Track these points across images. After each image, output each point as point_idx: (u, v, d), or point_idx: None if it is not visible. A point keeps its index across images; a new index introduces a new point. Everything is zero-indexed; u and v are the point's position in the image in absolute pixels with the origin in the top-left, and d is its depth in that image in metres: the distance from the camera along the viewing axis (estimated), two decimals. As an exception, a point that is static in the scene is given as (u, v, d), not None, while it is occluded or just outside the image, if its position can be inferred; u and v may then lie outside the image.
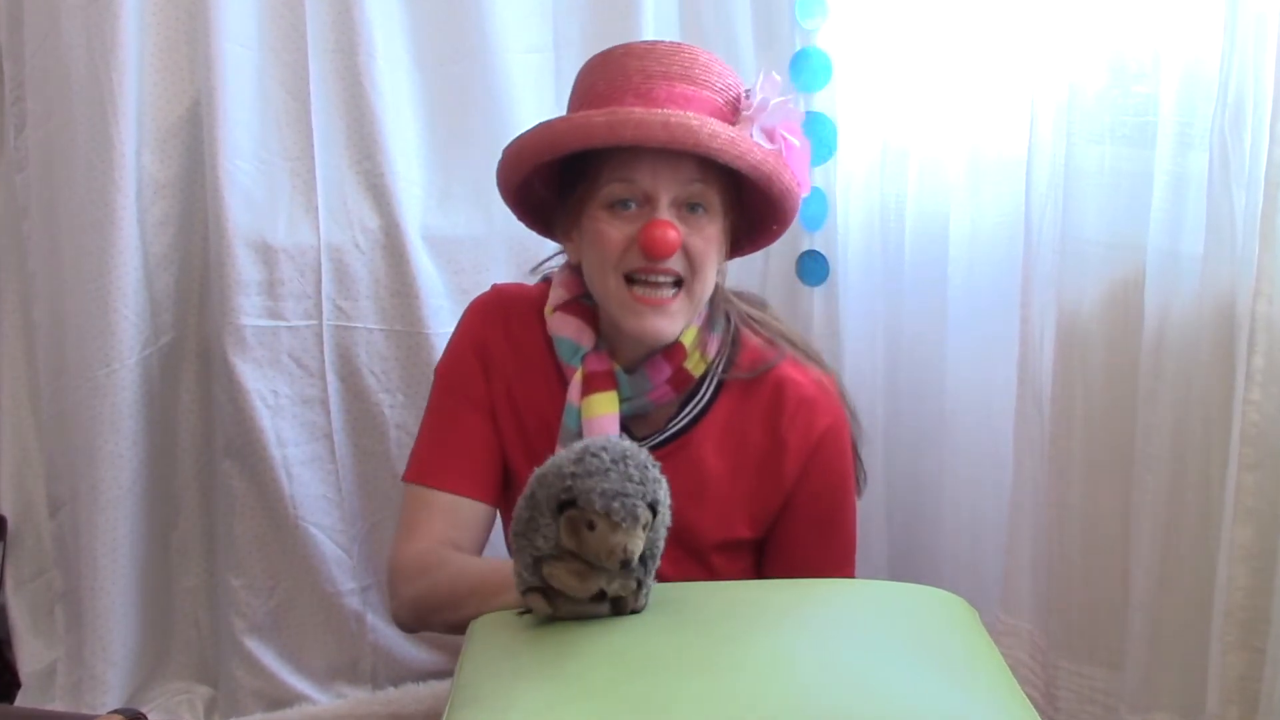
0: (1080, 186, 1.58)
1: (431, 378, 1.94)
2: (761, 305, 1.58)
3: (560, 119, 1.39)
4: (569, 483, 1.11)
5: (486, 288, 1.95)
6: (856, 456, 1.52)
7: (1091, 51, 1.56)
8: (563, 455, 1.14)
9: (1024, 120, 1.62)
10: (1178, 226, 1.49)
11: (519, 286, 1.59)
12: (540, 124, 1.40)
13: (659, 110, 1.32)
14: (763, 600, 1.26)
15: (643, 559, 1.15)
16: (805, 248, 1.92)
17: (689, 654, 1.12)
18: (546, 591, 1.16)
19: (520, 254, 1.94)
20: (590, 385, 1.43)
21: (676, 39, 1.95)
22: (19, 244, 1.99)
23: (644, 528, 1.12)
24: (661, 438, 1.46)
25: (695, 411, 1.47)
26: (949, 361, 1.82)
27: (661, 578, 1.37)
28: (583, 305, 1.47)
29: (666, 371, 1.44)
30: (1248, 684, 1.41)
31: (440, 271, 1.96)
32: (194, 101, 1.90)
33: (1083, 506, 1.63)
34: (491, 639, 1.19)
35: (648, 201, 1.37)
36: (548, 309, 1.49)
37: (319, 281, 1.93)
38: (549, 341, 1.49)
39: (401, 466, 1.96)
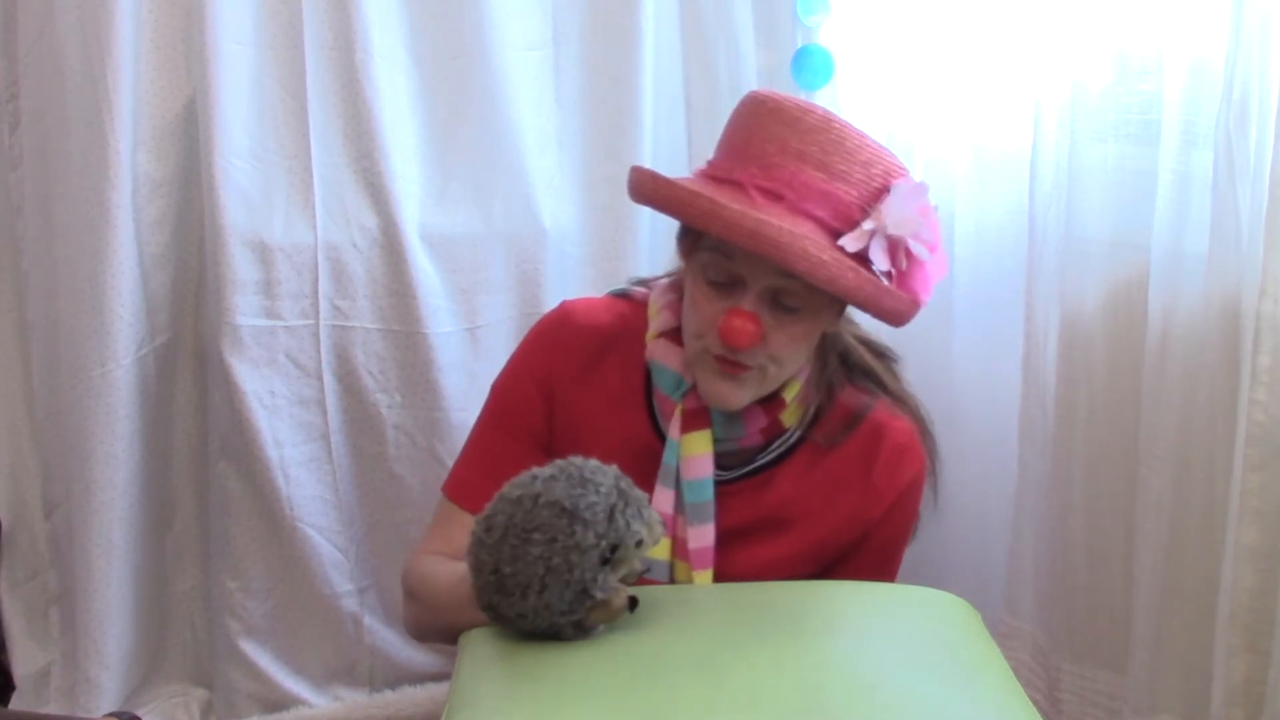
0: (1084, 184, 1.57)
1: (430, 377, 1.95)
2: (889, 357, 1.52)
3: (664, 183, 1.32)
4: (602, 542, 1.12)
5: (485, 286, 1.94)
6: (932, 485, 1.51)
7: (1096, 48, 1.56)
8: (555, 530, 1.12)
9: (1028, 117, 1.61)
10: (1182, 225, 1.49)
11: (589, 310, 1.50)
12: (650, 176, 1.35)
13: (750, 216, 1.24)
14: (765, 603, 1.26)
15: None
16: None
17: (690, 657, 1.12)
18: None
19: (519, 253, 1.94)
20: (689, 423, 1.40)
21: (677, 37, 1.95)
22: (13, 243, 1.97)
23: None
24: (745, 470, 1.44)
25: (780, 452, 1.45)
26: (955, 361, 1.82)
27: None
28: None
29: (763, 421, 1.41)
30: (1252, 687, 1.41)
31: (438, 270, 1.95)
32: (190, 99, 1.89)
33: (1086, 507, 1.62)
34: (489, 641, 1.19)
35: (739, 283, 1.32)
36: (650, 333, 1.43)
37: (316, 281, 1.92)
38: (634, 368, 1.45)
39: (399, 467, 1.97)
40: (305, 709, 1.96)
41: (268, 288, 1.90)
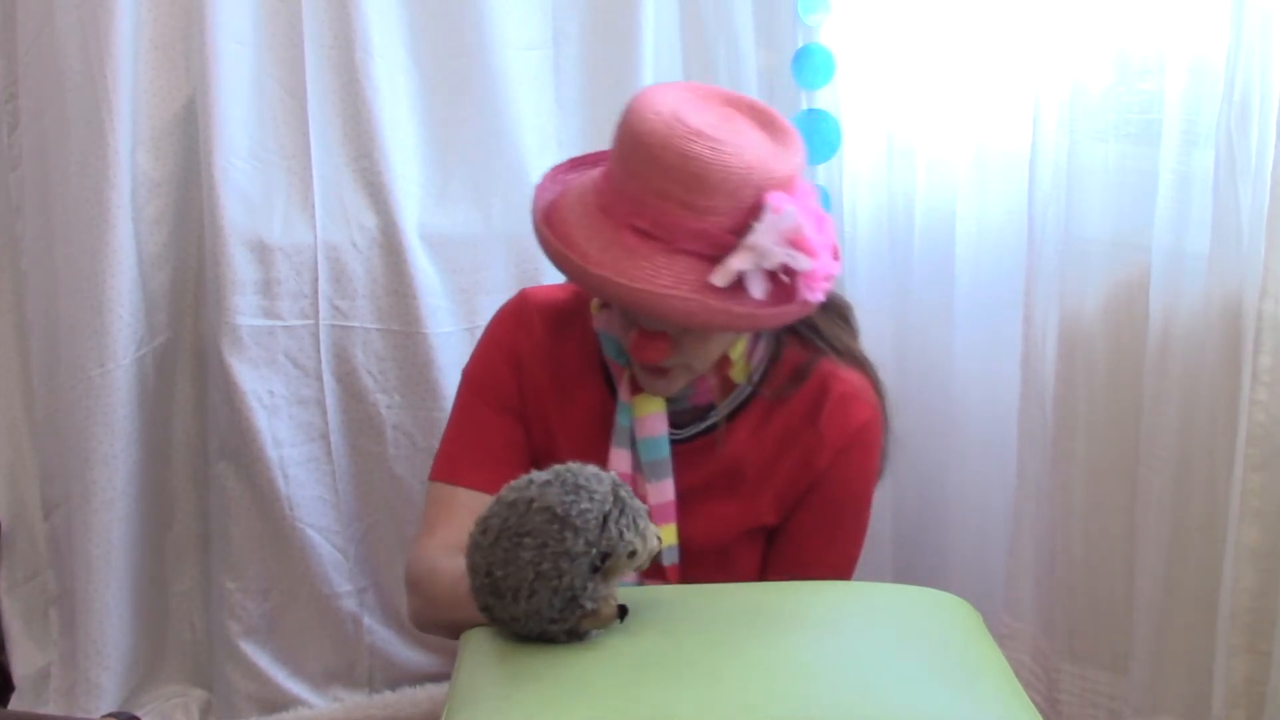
0: (1084, 184, 1.57)
1: (430, 377, 1.94)
2: (836, 307, 1.52)
3: (548, 237, 1.34)
4: (593, 550, 1.11)
5: (485, 286, 1.94)
6: (884, 451, 1.52)
7: (1096, 48, 1.55)
8: (547, 535, 1.12)
9: (1028, 117, 1.61)
10: (1183, 225, 1.49)
11: (547, 291, 1.56)
12: (539, 221, 1.37)
13: (620, 281, 1.26)
14: (764, 603, 1.26)
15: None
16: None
17: (688, 657, 1.12)
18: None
19: (519, 253, 1.94)
20: (638, 384, 1.43)
21: (677, 37, 1.95)
22: (12, 243, 1.97)
23: None
24: (702, 427, 1.47)
25: (732, 407, 1.47)
26: (955, 361, 1.82)
27: (680, 571, 1.36)
28: None
29: (712, 380, 1.44)
30: (1254, 687, 1.41)
31: (438, 270, 1.94)
32: (189, 99, 1.89)
33: (1086, 508, 1.62)
34: (489, 642, 1.19)
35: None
36: (594, 304, 1.47)
37: (315, 280, 1.92)
38: (591, 340, 1.49)
39: (399, 467, 1.97)
40: (304, 710, 1.96)
41: (267, 287, 1.90)
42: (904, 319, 1.87)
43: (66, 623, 1.95)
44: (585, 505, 1.11)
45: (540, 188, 1.43)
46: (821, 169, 1.89)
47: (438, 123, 1.95)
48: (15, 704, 1.94)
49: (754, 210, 1.27)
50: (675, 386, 1.41)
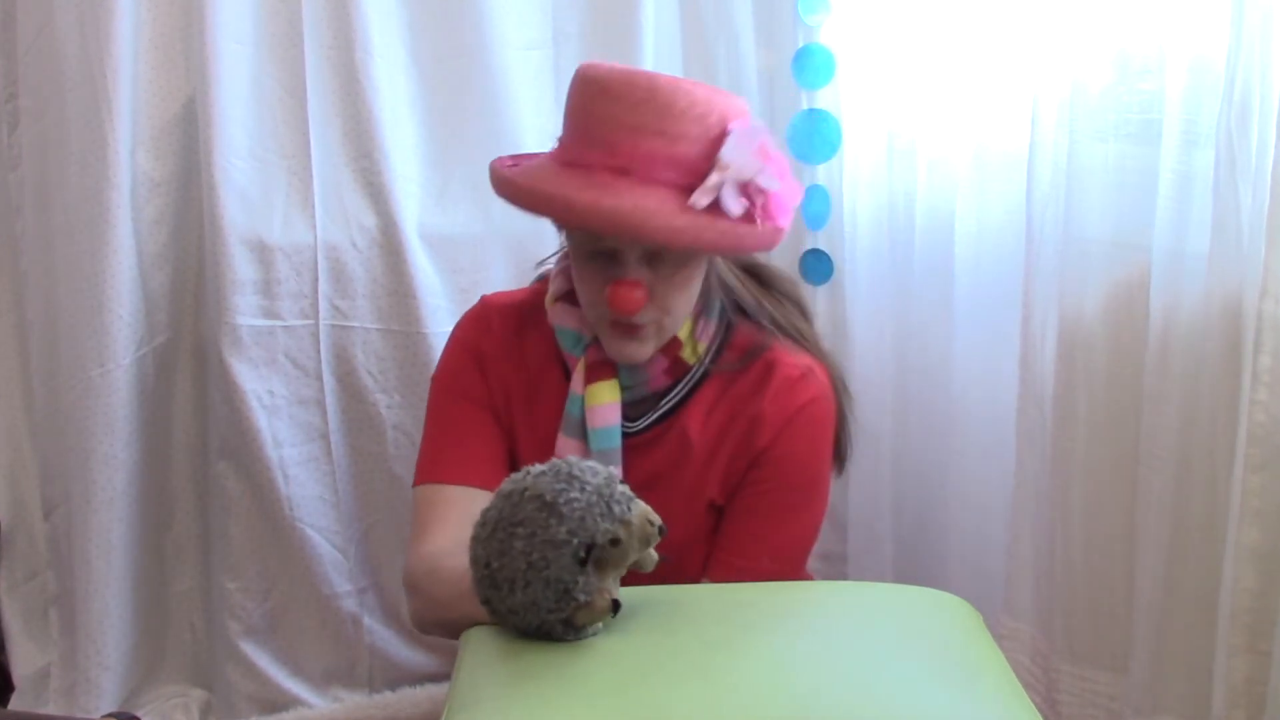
0: (1083, 184, 1.57)
1: (429, 377, 1.94)
2: (792, 282, 1.62)
3: (523, 180, 1.41)
4: (574, 539, 1.12)
5: (485, 286, 1.95)
6: (840, 436, 1.54)
7: (1096, 47, 1.55)
8: (535, 524, 1.12)
9: (1028, 117, 1.61)
10: (1183, 225, 1.48)
11: (507, 295, 1.61)
12: (504, 177, 1.43)
13: (604, 205, 1.32)
14: (763, 603, 1.26)
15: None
16: (808, 246, 1.91)
17: (687, 658, 1.12)
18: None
19: (519, 253, 1.94)
20: (592, 374, 1.48)
21: (677, 37, 1.95)
22: (12, 243, 1.98)
23: None
24: (653, 418, 1.51)
25: (684, 393, 1.51)
26: (954, 360, 1.81)
27: None
28: None
29: (664, 364, 1.48)
30: (1254, 687, 1.40)
31: (438, 271, 1.95)
32: (189, 99, 1.89)
33: (1086, 508, 1.62)
34: (489, 643, 1.19)
35: (615, 253, 1.39)
36: (549, 299, 1.52)
37: (315, 280, 1.92)
38: (550, 336, 1.52)
39: (399, 467, 1.97)
40: (304, 710, 1.96)
41: (267, 287, 1.90)
42: (904, 319, 1.87)
43: (66, 623, 1.95)
44: (574, 494, 1.12)
45: (494, 168, 1.47)
46: (821, 169, 1.89)
47: (438, 123, 1.95)
48: (15, 704, 1.95)
49: (719, 140, 1.34)
50: (646, 351, 1.44)
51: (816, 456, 1.51)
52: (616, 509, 1.13)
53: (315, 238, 1.91)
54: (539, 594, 1.12)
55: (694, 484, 1.50)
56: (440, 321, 1.93)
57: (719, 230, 1.34)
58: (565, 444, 1.48)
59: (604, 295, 1.39)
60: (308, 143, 1.90)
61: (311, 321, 1.93)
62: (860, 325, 1.89)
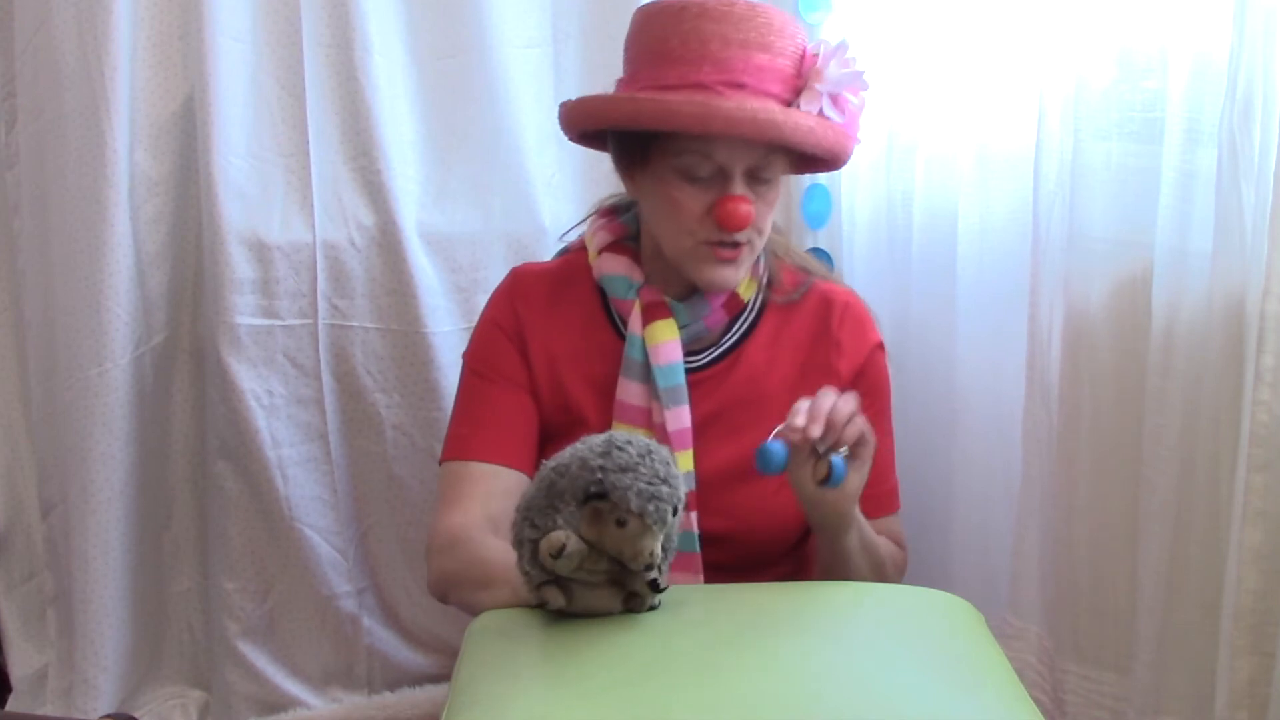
0: (1087, 183, 1.57)
1: (429, 377, 1.94)
2: (782, 233, 1.67)
3: (647, 99, 1.42)
4: (599, 475, 1.12)
5: (484, 285, 1.95)
6: None
7: (1099, 46, 1.55)
8: (584, 447, 1.15)
9: (1031, 115, 1.60)
10: (1186, 223, 1.48)
11: (536, 264, 1.63)
12: (624, 96, 1.45)
13: (747, 106, 1.37)
14: (766, 603, 1.26)
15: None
16: (808, 245, 1.91)
17: (690, 657, 1.12)
18: (560, 583, 1.15)
19: (518, 252, 1.94)
20: (649, 315, 1.50)
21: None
22: (10, 242, 1.97)
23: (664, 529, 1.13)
24: (716, 353, 1.53)
25: (745, 327, 1.54)
26: (958, 359, 1.81)
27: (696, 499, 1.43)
28: (626, 246, 1.54)
29: (722, 296, 1.51)
30: (1257, 688, 1.40)
31: (437, 270, 1.94)
32: (187, 97, 1.88)
33: (1090, 508, 1.62)
34: (489, 642, 1.19)
35: (721, 173, 1.42)
36: (592, 254, 1.55)
37: (314, 280, 1.92)
38: (590, 295, 1.54)
39: (398, 467, 1.97)
40: (303, 711, 1.96)
41: (265, 287, 1.90)
42: (904, 317, 1.87)
43: (64, 623, 1.95)
44: (630, 450, 1.13)
45: (579, 103, 1.51)
46: (822, 168, 1.89)
47: (437, 121, 1.95)
48: (13, 705, 1.94)
49: (801, 58, 1.44)
50: (739, 275, 1.47)
51: (889, 396, 1.58)
52: (648, 487, 1.11)
53: (314, 236, 1.91)
54: (533, 497, 1.15)
55: (761, 416, 1.48)
56: (439, 321, 1.93)
57: (836, 132, 1.43)
58: (627, 386, 1.49)
59: (709, 217, 1.42)
60: (306, 141, 1.90)
61: (310, 321, 1.93)
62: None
